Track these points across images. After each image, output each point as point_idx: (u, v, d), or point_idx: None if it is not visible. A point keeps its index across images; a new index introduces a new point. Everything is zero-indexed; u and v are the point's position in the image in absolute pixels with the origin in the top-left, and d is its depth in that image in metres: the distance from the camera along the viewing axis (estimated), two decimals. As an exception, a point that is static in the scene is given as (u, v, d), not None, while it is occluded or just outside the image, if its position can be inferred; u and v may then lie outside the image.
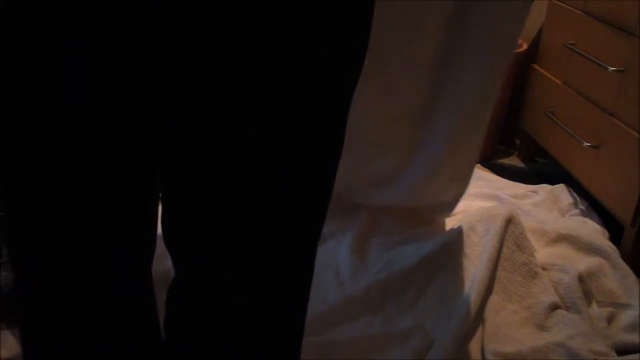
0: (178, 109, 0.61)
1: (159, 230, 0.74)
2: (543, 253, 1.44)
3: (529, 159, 2.10)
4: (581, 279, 1.35)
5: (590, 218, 1.62)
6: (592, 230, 1.54)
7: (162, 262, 0.87)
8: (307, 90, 0.61)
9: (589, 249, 1.46)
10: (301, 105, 0.61)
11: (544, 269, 1.36)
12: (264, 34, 0.57)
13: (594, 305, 1.31)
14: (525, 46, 2.03)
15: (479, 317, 1.22)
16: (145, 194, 0.70)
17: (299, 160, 0.64)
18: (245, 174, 0.63)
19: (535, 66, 1.97)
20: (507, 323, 1.23)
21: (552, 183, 1.81)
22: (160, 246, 0.76)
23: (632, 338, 1.24)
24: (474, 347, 1.17)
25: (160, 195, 0.72)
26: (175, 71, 0.58)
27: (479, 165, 2.03)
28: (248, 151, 0.62)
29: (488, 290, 1.28)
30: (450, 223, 1.52)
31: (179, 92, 0.59)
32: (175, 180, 0.67)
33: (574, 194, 1.73)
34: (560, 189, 1.76)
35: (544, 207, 1.69)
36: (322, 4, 0.57)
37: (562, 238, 1.50)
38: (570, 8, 1.78)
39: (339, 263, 1.37)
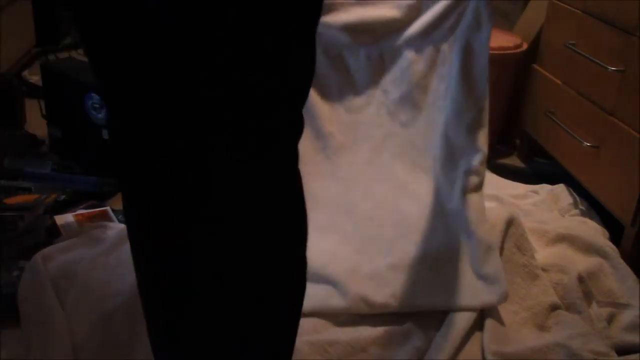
0: (177, 108, 0.61)
1: None
2: (543, 253, 1.44)
3: (529, 159, 2.10)
4: (581, 279, 1.35)
5: (590, 218, 1.62)
6: (592, 230, 1.54)
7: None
8: (302, 89, 0.62)
9: (589, 249, 1.46)
10: (292, 103, 0.62)
11: (543, 269, 1.36)
12: (264, 34, 0.57)
13: (594, 305, 1.31)
14: (525, 46, 2.03)
15: (479, 318, 1.22)
16: None
17: (289, 154, 0.66)
18: (240, 173, 0.63)
19: (535, 66, 1.97)
20: (507, 324, 1.23)
21: (552, 183, 1.81)
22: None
23: (632, 338, 1.24)
24: (474, 347, 1.17)
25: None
26: (174, 71, 0.58)
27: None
28: (248, 152, 0.62)
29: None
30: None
31: (178, 92, 0.59)
32: (172, 180, 0.67)
33: (574, 194, 1.73)
34: (560, 189, 1.76)
35: (544, 207, 1.69)
36: (319, 5, 0.58)
37: (562, 238, 1.50)
38: (570, 8, 1.78)
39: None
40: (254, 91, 0.60)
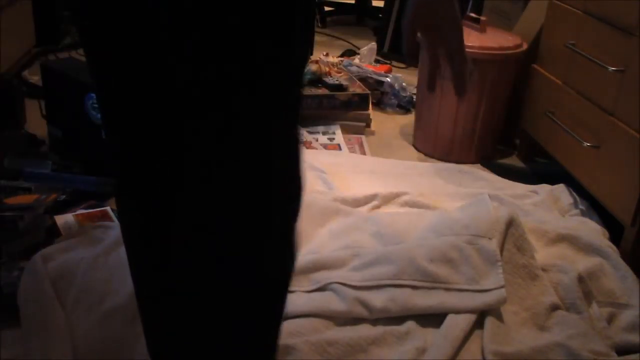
0: (173, 107, 0.61)
1: None
2: (543, 253, 1.44)
3: (529, 159, 2.10)
4: (581, 279, 1.35)
5: (590, 218, 1.62)
6: (592, 230, 1.54)
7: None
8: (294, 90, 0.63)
9: (589, 249, 1.46)
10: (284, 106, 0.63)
11: (543, 269, 1.36)
12: (264, 36, 0.57)
13: (594, 305, 1.31)
14: (525, 46, 2.03)
15: (479, 318, 1.22)
16: None
17: (279, 153, 0.66)
18: (230, 174, 0.63)
19: (535, 66, 1.97)
20: (507, 324, 1.23)
21: (552, 183, 1.81)
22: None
23: (632, 338, 1.24)
24: (474, 347, 1.17)
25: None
26: (173, 71, 0.58)
27: (479, 164, 2.03)
28: (244, 153, 0.62)
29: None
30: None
31: (176, 91, 0.59)
32: (166, 180, 0.67)
33: (574, 194, 1.73)
34: (560, 189, 1.76)
35: (544, 207, 1.69)
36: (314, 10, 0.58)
37: (562, 238, 1.49)
38: (570, 8, 1.78)
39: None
40: (248, 91, 0.60)
